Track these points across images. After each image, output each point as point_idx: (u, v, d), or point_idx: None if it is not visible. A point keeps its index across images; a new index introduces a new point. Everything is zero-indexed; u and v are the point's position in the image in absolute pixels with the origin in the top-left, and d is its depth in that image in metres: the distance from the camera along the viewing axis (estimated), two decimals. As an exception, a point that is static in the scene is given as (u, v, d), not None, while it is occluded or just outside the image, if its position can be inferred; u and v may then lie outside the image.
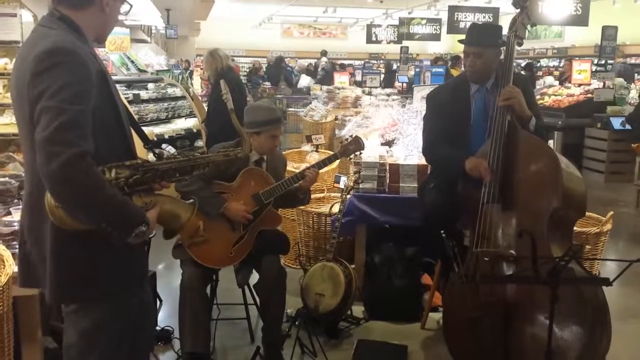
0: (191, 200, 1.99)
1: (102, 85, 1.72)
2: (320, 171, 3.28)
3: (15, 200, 2.87)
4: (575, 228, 3.06)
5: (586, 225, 3.84)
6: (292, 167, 4.87)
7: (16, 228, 2.47)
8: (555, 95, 9.00)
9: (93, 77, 1.65)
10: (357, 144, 3.26)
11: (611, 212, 3.86)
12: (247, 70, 16.18)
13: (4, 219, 2.66)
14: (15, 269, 2.09)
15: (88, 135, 1.58)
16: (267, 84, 13.02)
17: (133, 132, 1.92)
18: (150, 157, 1.91)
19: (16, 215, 2.62)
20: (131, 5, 1.89)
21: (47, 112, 1.55)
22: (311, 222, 4.14)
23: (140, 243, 1.77)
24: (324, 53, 15.38)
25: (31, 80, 1.60)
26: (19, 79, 1.67)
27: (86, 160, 1.55)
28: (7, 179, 3.04)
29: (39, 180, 1.61)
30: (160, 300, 3.63)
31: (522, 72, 12.51)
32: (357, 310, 3.57)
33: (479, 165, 2.82)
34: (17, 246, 2.29)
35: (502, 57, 3.12)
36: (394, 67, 15.48)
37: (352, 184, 3.60)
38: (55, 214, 1.65)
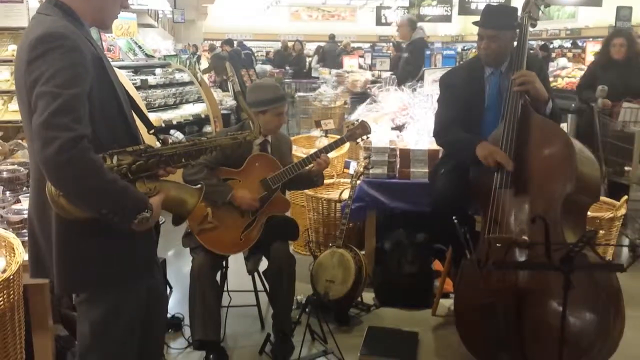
0: (198, 186, 1.96)
1: (99, 70, 1.70)
2: (329, 156, 3.25)
3: (25, 188, 2.88)
4: (589, 213, 3.02)
5: (600, 209, 3.80)
6: (302, 152, 4.84)
7: (26, 216, 2.47)
8: (569, 77, 8.86)
9: (88, 61, 1.63)
10: (363, 127, 3.23)
11: (625, 197, 3.81)
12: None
13: (14, 206, 2.66)
14: (26, 257, 2.10)
15: (84, 118, 1.56)
16: (270, 67, 12.95)
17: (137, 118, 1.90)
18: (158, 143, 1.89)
19: (25, 203, 2.62)
20: None
21: (42, 98, 1.54)
22: (321, 208, 4.12)
23: (146, 230, 1.76)
24: (331, 37, 15.23)
25: (26, 68, 1.59)
26: (18, 68, 1.67)
27: (82, 144, 1.52)
28: (16, 166, 3.04)
29: None
30: (170, 288, 3.64)
31: (539, 52, 12.32)
32: (368, 296, 3.56)
33: (493, 153, 2.76)
34: (26, 234, 2.30)
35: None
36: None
37: (362, 169, 3.57)
38: (57, 203, 1.63)
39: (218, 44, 16.78)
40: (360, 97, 7.57)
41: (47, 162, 1.52)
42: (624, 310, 2.47)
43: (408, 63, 6.66)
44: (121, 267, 1.78)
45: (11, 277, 2.01)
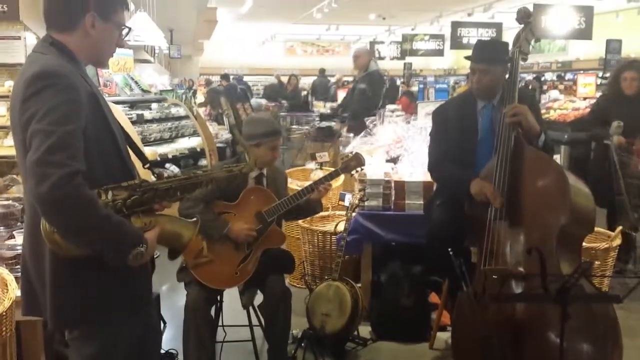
0: (193, 219, 1.96)
1: (93, 107, 1.71)
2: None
3: (19, 224, 2.86)
4: (584, 244, 3.02)
5: (595, 240, 3.80)
6: (297, 185, 4.85)
7: (19, 252, 2.46)
8: (561, 109, 8.97)
9: (83, 98, 1.65)
10: (357, 160, 3.25)
11: (620, 227, 3.82)
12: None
13: (7, 242, 2.65)
14: (19, 293, 2.08)
15: (78, 155, 1.57)
16: (266, 101, 13.04)
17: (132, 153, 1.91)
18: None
19: (19, 239, 2.61)
20: (130, 29, 1.88)
21: (36, 136, 1.55)
22: (316, 240, 4.11)
23: (141, 265, 1.75)
24: (321, 71, 15.41)
25: (21, 105, 1.61)
26: (13, 106, 1.69)
27: (77, 180, 1.53)
28: (10, 202, 3.03)
29: None
30: (165, 323, 3.59)
31: (531, 83, 12.43)
32: (364, 330, 3.53)
33: (484, 189, 2.79)
34: (20, 270, 2.28)
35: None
36: (397, 82, 15.52)
37: (357, 201, 3.58)
38: (52, 240, 1.62)
39: (214, 78, 16.97)
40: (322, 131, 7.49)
41: (41, 199, 1.52)
42: (621, 341, 2.45)
43: (365, 95, 6.38)
44: (115, 304, 1.77)
45: (3, 313, 1.99)
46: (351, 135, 5.89)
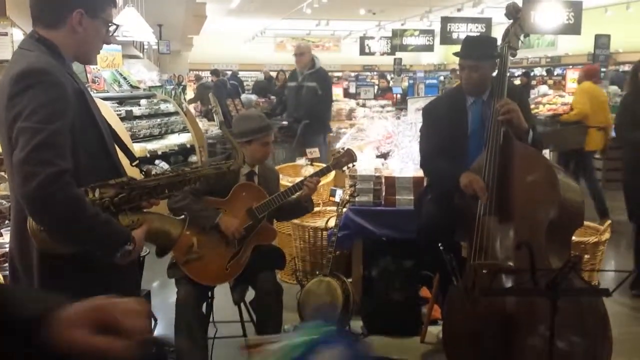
0: (182, 217, 1.95)
1: (80, 104, 1.70)
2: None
3: (7, 222, 2.84)
4: (573, 238, 3.04)
5: (584, 234, 3.82)
6: (287, 181, 4.84)
7: (7, 250, 2.43)
8: (550, 104, 9.02)
9: (69, 96, 1.64)
10: (349, 156, 3.24)
11: (609, 221, 3.84)
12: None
13: (-5, 240, 2.63)
14: (7, 291, 2.05)
15: (65, 154, 1.56)
16: (256, 97, 12.98)
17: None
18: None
19: (7, 237, 2.59)
20: (117, 26, 1.86)
21: (23, 134, 1.54)
22: (307, 236, 4.11)
23: (129, 263, 1.74)
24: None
25: (7, 103, 1.60)
26: None
27: (64, 179, 1.52)
28: (-2, 199, 3.01)
29: None
30: (155, 319, 3.57)
31: (520, 78, 12.43)
32: (356, 325, 3.53)
33: (473, 182, 2.79)
34: (8, 269, 2.26)
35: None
36: (388, 77, 15.54)
37: (348, 197, 3.58)
38: (39, 238, 1.61)
39: (204, 74, 16.88)
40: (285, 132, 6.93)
41: (28, 197, 1.51)
42: (611, 334, 2.48)
43: (316, 93, 6.03)
44: None
45: (-8, 312, 1.97)
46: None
